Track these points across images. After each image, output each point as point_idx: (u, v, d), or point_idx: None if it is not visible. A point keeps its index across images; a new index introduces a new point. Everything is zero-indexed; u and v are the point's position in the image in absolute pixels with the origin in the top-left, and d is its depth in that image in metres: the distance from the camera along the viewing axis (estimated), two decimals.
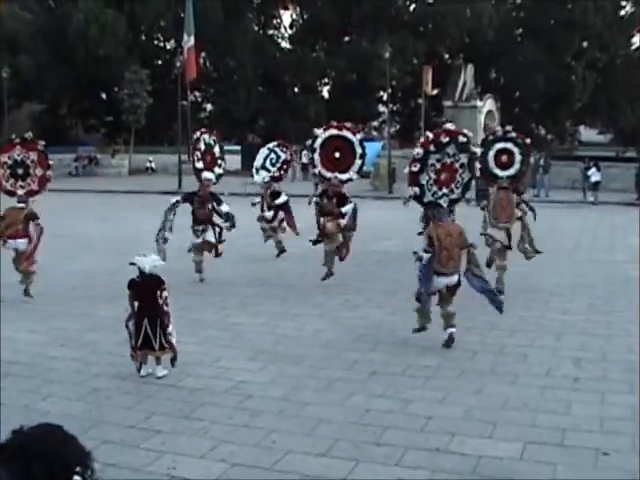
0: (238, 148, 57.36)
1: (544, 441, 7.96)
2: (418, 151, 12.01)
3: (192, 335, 12.30)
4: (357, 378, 10.17)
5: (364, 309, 14.34)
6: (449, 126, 12.54)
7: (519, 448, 7.80)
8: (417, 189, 12.03)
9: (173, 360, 10.23)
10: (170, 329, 10.12)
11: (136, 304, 10.13)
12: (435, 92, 60.83)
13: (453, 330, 11.64)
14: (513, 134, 16.17)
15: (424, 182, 12.05)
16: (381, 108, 74.81)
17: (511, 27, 71.96)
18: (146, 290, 10.14)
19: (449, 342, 11.61)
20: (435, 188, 12.11)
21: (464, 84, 49.14)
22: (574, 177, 40.20)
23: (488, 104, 49.67)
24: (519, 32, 73.00)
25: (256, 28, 75.29)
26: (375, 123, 77.78)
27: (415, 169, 11.99)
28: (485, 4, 67.31)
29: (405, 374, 10.35)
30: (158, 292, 10.07)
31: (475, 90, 50.13)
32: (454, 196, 12.31)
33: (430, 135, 12.21)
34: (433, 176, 12.05)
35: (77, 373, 10.43)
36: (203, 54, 68.06)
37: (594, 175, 37.01)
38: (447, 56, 71.82)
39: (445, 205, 12.21)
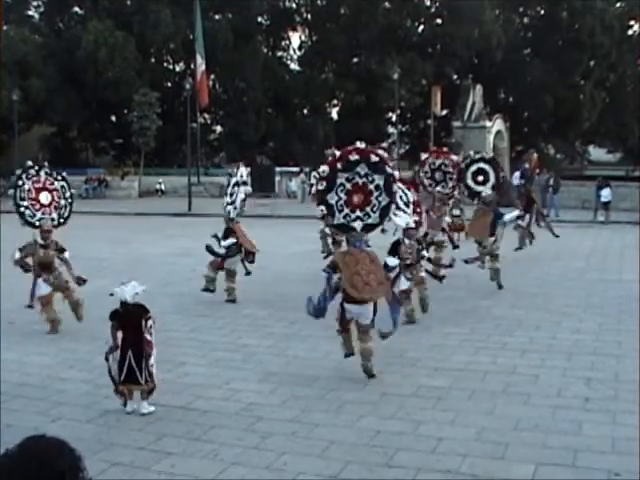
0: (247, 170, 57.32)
1: (556, 462, 7.92)
2: (324, 169, 11.47)
3: (202, 357, 12.32)
4: (368, 399, 10.14)
5: (374, 330, 14.26)
6: (359, 144, 11.74)
7: (531, 469, 7.76)
8: (323, 208, 11.48)
9: (149, 393, 9.70)
10: (152, 360, 9.62)
11: (120, 336, 9.69)
12: (444, 113, 60.94)
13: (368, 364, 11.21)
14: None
15: (333, 202, 11.46)
16: (390, 129, 74.73)
17: (519, 47, 72.02)
18: (130, 321, 9.67)
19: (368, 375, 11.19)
20: (347, 210, 11.49)
21: (473, 104, 49.18)
22: (584, 197, 40.13)
23: (497, 124, 49.70)
24: (527, 52, 73.02)
25: (265, 50, 75.48)
26: (384, 144, 77.73)
27: (321, 187, 11.45)
28: (493, 25, 67.42)
29: (416, 395, 10.31)
30: (143, 322, 9.60)
31: (484, 110, 50.19)
32: (370, 220, 11.55)
33: (338, 153, 11.63)
34: (344, 197, 11.44)
35: (87, 395, 10.43)
36: (212, 76, 68.22)
37: (605, 194, 36.81)
38: (456, 77, 71.76)
39: (359, 229, 11.49)
